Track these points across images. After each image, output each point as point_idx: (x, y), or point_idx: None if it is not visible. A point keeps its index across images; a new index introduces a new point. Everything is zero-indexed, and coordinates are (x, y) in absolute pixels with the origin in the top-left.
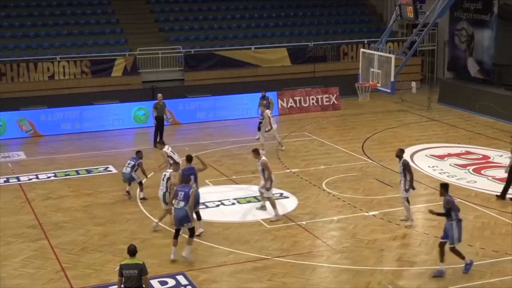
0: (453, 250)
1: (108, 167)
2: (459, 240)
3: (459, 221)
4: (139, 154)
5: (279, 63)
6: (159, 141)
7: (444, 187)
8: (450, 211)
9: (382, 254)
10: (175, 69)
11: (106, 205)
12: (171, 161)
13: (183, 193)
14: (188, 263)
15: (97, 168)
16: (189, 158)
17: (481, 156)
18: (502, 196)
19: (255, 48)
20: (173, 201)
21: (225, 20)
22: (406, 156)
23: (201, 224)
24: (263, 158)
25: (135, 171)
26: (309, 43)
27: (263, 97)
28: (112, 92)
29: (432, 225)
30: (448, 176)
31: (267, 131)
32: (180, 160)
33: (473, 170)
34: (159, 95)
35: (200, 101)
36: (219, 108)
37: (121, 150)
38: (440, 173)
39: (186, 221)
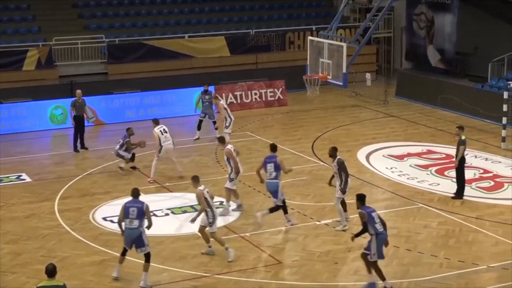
0: (373, 265)
1: (20, 175)
2: (378, 257)
3: (377, 235)
4: (128, 131)
5: (217, 53)
6: (153, 120)
7: (360, 198)
8: (366, 225)
9: (336, 268)
10: (97, 61)
11: (19, 219)
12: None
13: (135, 209)
14: (113, 279)
15: (7, 177)
16: (273, 147)
17: (444, 156)
18: (459, 195)
19: (189, 36)
20: (125, 220)
21: (155, 5)
22: (361, 156)
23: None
24: (228, 146)
25: (124, 150)
26: (250, 31)
27: (205, 92)
28: (24, 89)
29: (391, 234)
30: (408, 178)
31: (227, 126)
32: (170, 142)
33: (436, 171)
34: (78, 91)
35: (126, 98)
36: (149, 106)
37: (36, 156)
38: (399, 175)
39: (140, 244)
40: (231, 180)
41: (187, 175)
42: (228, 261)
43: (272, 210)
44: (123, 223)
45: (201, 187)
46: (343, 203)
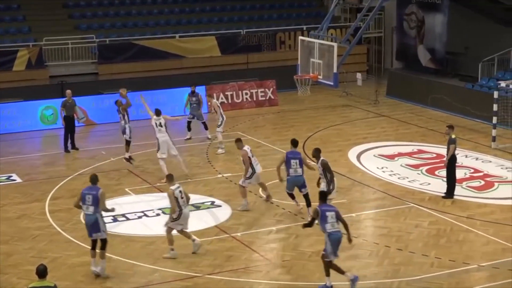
0: (329, 264)
1: (11, 176)
2: (334, 254)
3: (329, 234)
4: (116, 103)
5: (207, 53)
6: (156, 110)
7: (321, 196)
8: (313, 220)
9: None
10: (87, 61)
11: (10, 220)
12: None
13: (91, 196)
14: (103, 280)
15: None
16: (293, 142)
17: (434, 155)
18: (450, 194)
19: (179, 36)
20: (82, 206)
21: (145, 5)
22: (352, 156)
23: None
24: (244, 148)
25: (127, 122)
26: (241, 31)
27: (192, 93)
28: (14, 89)
29: (382, 234)
30: (399, 178)
31: (219, 126)
32: (165, 135)
33: (426, 171)
34: (68, 91)
35: (116, 98)
36: (139, 106)
37: (26, 156)
38: (390, 174)
39: (95, 230)
40: (246, 178)
41: (177, 176)
42: (163, 256)
43: (308, 202)
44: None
45: (173, 187)
46: None
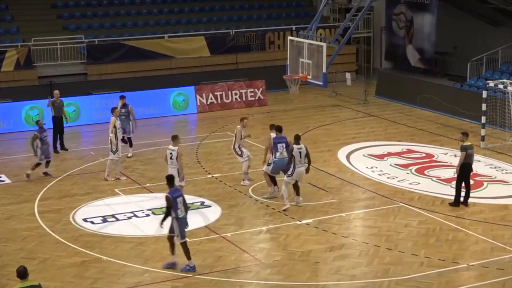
0: (182, 245)
1: (0, 177)
2: (182, 238)
3: (177, 218)
4: (38, 123)
5: (197, 53)
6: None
7: (168, 180)
8: (169, 209)
9: (317, 268)
10: (76, 62)
11: None
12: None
13: None
14: (93, 280)
15: None
16: (278, 128)
17: (424, 155)
18: (457, 202)
19: (168, 36)
20: None
21: (134, 5)
22: (341, 156)
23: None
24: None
25: (37, 146)
26: (230, 31)
27: (123, 105)
28: (2, 90)
29: (371, 233)
30: (388, 177)
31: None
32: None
33: (416, 170)
34: (56, 91)
35: (105, 99)
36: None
37: (15, 157)
38: (379, 174)
39: None
40: (268, 164)
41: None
42: None
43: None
44: None
45: (170, 146)
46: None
